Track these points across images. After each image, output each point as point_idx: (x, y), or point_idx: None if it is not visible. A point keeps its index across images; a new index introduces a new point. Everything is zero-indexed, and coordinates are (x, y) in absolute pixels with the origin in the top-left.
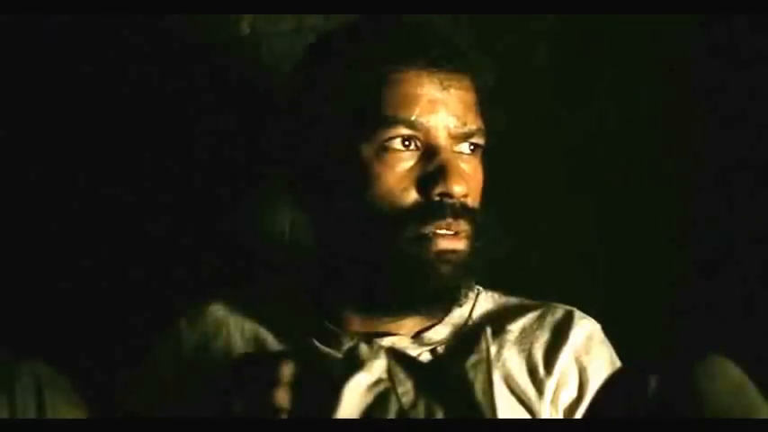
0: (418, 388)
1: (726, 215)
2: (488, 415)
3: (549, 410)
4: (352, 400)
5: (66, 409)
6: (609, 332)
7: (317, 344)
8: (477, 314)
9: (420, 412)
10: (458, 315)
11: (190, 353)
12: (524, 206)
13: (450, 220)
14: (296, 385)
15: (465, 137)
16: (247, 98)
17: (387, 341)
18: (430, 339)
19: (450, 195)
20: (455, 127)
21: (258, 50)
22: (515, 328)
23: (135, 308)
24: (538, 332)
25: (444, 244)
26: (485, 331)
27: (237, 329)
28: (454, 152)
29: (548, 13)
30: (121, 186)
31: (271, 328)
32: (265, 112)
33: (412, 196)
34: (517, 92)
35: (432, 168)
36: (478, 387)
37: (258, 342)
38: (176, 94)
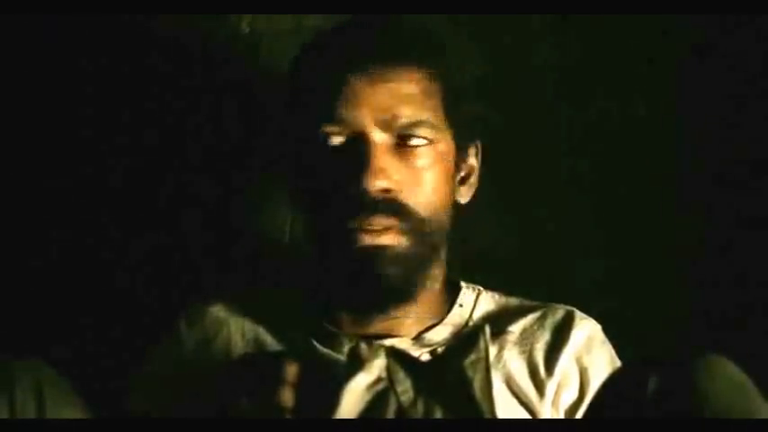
0: (417, 387)
1: (726, 214)
2: (487, 414)
3: (550, 411)
4: (352, 399)
5: (66, 409)
6: (609, 332)
7: (317, 345)
8: (477, 315)
9: (419, 411)
10: (458, 316)
11: (190, 353)
12: (524, 206)
13: (370, 215)
14: (297, 386)
15: (398, 129)
16: (246, 98)
17: (387, 342)
18: (430, 340)
19: (366, 190)
20: (384, 120)
21: (257, 50)
22: (516, 328)
23: (135, 308)
24: (538, 333)
25: (367, 240)
26: (483, 330)
27: (238, 330)
28: (389, 146)
29: (548, 13)
30: (121, 186)
31: (271, 329)
32: (264, 112)
33: (340, 192)
34: (517, 91)
35: (353, 163)
36: (477, 386)
37: (258, 342)
38: (176, 94)
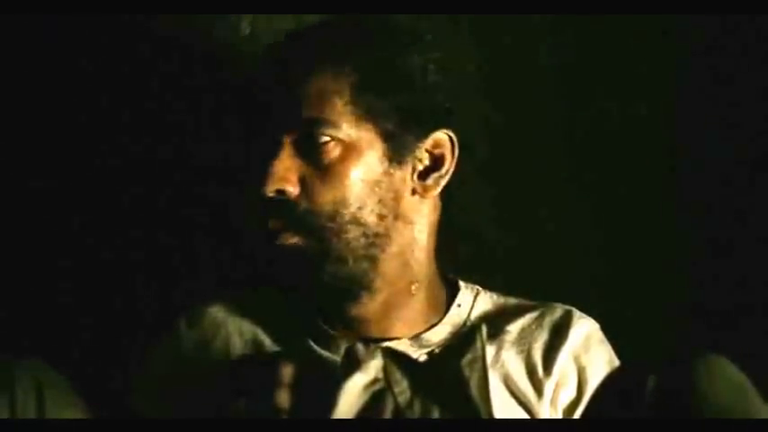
0: (414, 387)
1: (727, 214)
2: (484, 414)
3: (548, 411)
4: (349, 400)
5: (66, 409)
6: (608, 332)
7: (314, 346)
8: (475, 315)
9: (416, 411)
10: (456, 316)
11: (189, 354)
12: (525, 205)
13: (270, 217)
14: (294, 387)
15: (303, 129)
16: (248, 98)
17: (385, 343)
18: (429, 341)
19: (263, 193)
20: (289, 122)
21: (258, 50)
22: (514, 328)
23: (134, 309)
24: (537, 332)
25: (281, 239)
26: (480, 330)
27: (236, 331)
28: (296, 146)
29: (548, 13)
30: (122, 187)
31: (269, 330)
32: None
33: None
34: (517, 91)
35: (261, 167)
36: (474, 386)
37: (256, 343)
38: (177, 95)
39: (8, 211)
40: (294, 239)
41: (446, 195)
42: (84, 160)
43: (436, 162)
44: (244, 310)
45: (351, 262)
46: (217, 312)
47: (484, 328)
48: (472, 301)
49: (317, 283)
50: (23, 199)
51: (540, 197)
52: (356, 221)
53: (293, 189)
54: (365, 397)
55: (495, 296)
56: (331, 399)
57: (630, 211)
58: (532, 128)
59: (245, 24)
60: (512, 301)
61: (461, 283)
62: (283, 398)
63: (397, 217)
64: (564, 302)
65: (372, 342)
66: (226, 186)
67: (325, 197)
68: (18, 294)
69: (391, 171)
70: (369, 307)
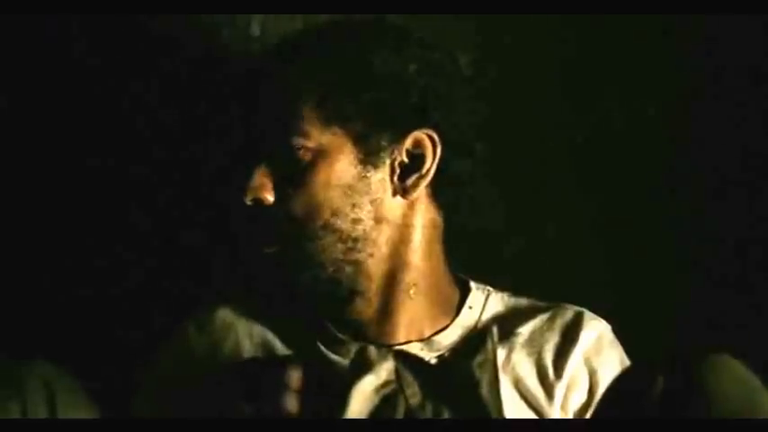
0: (425, 389)
1: (732, 214)
2: (495, 415)
3: (559, 414)
4: (360, 402)
5: (77, 409)
6: (616, 332)
7: (324, 349)
8: (486, 316)
9: (427, 413)
10: (467, 318)
11: (198, 356)
12: (531, 206)
13: (252, 223)
14: (304, 390)
15: (278, 138)
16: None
17: (396, 346)
18: (440, 343)
19: (243, 203)
20: (268, 132)
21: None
22: (525, 330)
23: (143, 310)
24: (548, 334)
25: (261, 246)
26: (490, 332)
27: (246, 334)
28: (277, 155)
29: (553, 13)
30: (129, 187)
31: (279, 333)
32: None
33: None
34: (524, 91)
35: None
36: (484, 388)
37: (266, 347)
38: (187, 95)
39: (8, 211)
40: (272, 248)
41: (445, 196)
42: (91, 160)
43: (416, 162)
44: (253, 313)
45: (329, 268)
46: (226, 315)
47: (495, 331)
48: (483, 303)
49: (299, 291)
50: (23, 199)
51: (546, 198)
52: (330, 227)
53: (269, 197)
54: (377, 399)
55: (506, 297)
56: (341, 401)
57: (637, 211)
58: (538, 128)
59: (256, 25)
60: (523, 301)
61: (472, 284)
62: (293, 400)
63: (379, 220)
64: (571, 303)
65: (382, 345)
66: (235, 186)
67: (298, 204)
68: (23, 296)
69: (366, 174)
70: (366, 311)
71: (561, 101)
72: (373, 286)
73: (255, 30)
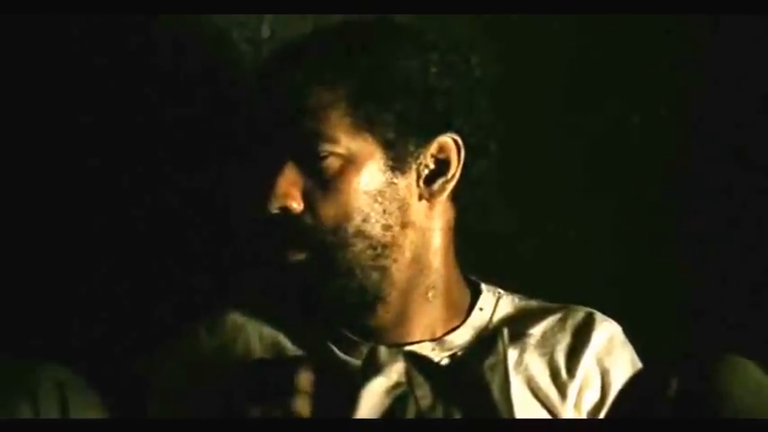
0: (436, 391)
1: (742, 215)
2: (506, 416)
3: (572, 414)
4: (371, 403)
5: (88, 409)
6: (627, 333)
7: (335, 350)
8: (497, 318)
9: (438, 415)
10: (478, 319)
11: (209, 358)
12: (541, 209)
13: (277, 233)
14: (314, 392)
15: (304, 145)
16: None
17: (407, 347)
18: (452, 343)
19: (268, 212)
20: (293, 138)
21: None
22: (537, 331)
23: (151, 311)
24: (559, 335)
25: (287, 256)
26: (501, 333)
27: (256, 335)
28: (302, 162)
29: (561, 13)
30: (135, 188)
31: (289, 334)
32: None
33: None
34: (536, 92)
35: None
36: (495, 389)
37: (277, 348)
38: (197, 96)
39: (8, 212)
40: (300, 256)
41: (463, 198)
42: (97, 159)
43: (442, 166)
44: (263, 315)
45: (359, 275)
46: (236, 317)
47: (505, 332)
48: (494, 305)
49: (326, 299)
50: (24, 199)
51: (556, 200)
52: (361, 234)
53: (297, 205)
54: (387, 400)
55: (516, 299)
56: (353, 402)
57: (647, 213)
58: (548, 131)
59: (266, 26)
60: (533, 303)
61: (483, 286)
62: (304, 401)
63: (405, 225)
64: (582, 304)
65: (394, 346)
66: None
67: (328, 212)
68: (29, 298)
69: (395, 180)
70: (385, 318)
71: (573, 101)
72: (395, 292)
73: (266, 31)
